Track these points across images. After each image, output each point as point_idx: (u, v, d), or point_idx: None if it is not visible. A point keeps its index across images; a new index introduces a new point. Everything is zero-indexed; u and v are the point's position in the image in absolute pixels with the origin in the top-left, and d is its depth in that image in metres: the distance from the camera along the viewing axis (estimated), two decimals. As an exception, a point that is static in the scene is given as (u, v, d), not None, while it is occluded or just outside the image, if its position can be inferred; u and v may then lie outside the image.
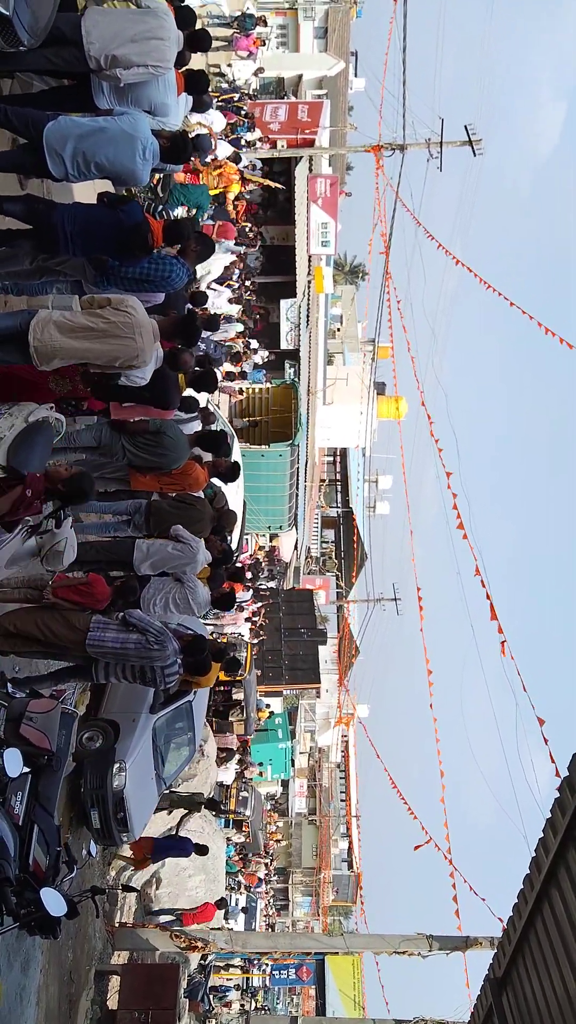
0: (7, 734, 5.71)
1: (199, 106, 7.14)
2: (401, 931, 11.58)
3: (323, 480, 35.48)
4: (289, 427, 20.33)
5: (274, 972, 19.72)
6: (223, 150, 14.08)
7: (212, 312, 13.00)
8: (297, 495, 21.51)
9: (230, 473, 7.96)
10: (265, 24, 22.45)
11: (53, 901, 4.46)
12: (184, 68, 6.23)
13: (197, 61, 7.26)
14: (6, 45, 5.05)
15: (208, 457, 7.72)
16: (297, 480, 21.12)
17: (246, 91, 22.38)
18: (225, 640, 17.51)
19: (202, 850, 11.31)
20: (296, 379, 22.31)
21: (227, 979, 22.18)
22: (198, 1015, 14.21)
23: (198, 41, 6.15)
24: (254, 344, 20.60)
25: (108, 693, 9.49)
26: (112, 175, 5.63)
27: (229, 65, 21.81)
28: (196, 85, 6.53)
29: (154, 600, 7.12)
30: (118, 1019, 9.58)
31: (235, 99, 21.13)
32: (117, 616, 6.31)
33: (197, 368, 6.94)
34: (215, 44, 19.98)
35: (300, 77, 27.24)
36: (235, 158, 16.73)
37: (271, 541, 26.24)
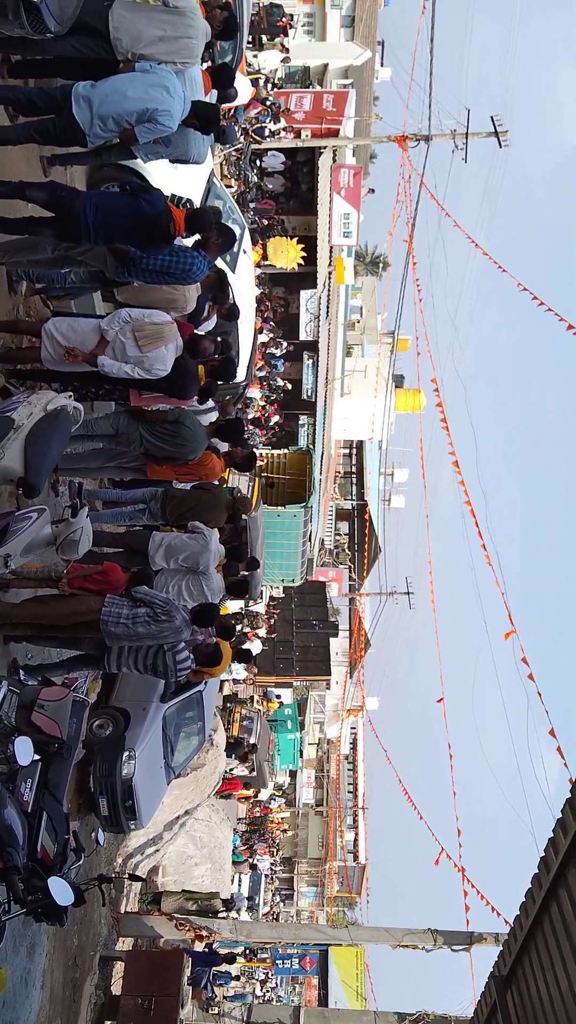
0: (19, 721, 5.74)
1: (225, 99, 7.13)
2: (406, 924, 11.59)
3: (338, 472, 35.33)
4: (303, 489, 21.72)
5: (277, 961, 19.72)
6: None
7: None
8: (307, 551, 23.12)
9: (246, 463, 7.95)
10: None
11: (60, 890, 4.48)
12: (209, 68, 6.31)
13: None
14: (33, 32, 5.05)
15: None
16: (310, 538, 22.82)
17: (272, 80, 22.23)
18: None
19: (230, 958, 13.79)
20: (311, 446, 23.60)
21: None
22: (201, 1002, 14.26)
23: (230, 31, 6.17)
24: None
25: (119, 681, 9.52)
26: (142, 111, 5.49)
27: (255, 55, 21.66)
28: (222, 80, 6.51)
29: (167, 587, 7.15)
30: (121, 1004, 9.64)
31: (260, 83, 21.01)
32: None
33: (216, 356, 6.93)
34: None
35: (326, 66, 27.00)
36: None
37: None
